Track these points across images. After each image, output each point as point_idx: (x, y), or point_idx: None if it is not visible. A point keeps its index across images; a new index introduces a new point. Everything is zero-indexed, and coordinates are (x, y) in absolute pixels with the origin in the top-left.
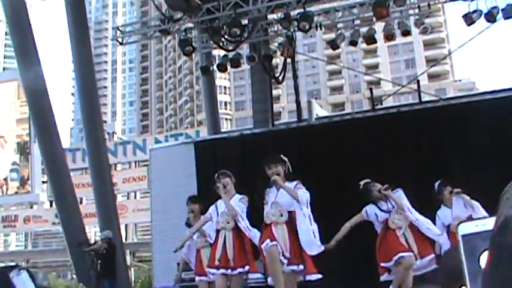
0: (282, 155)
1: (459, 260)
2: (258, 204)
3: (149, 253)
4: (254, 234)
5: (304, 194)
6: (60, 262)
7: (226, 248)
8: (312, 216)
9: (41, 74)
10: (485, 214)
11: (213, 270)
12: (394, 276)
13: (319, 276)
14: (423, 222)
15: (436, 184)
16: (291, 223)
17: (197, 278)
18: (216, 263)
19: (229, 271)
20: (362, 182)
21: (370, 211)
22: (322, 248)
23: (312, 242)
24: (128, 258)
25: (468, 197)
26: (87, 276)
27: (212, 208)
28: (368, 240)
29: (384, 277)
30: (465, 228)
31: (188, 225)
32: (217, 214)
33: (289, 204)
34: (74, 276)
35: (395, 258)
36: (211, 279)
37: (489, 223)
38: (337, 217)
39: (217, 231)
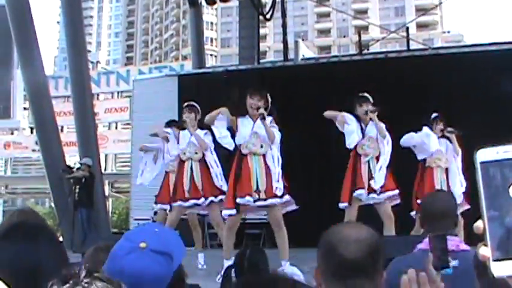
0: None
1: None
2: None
3: (128, 184)
4: (219, 171)
5: (277, 134)
6: (39, 189)
7: (194, 179)
8: (280, 159)
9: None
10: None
11: (182, 203)
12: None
13: (295, 207)
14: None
15: (432, 115)
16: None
17: (158, 206)
18: (186, 194)
19: (201, 200)
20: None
21: (348, 119)
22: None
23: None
24: (106, 188)
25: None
26: (64, 204)
27: (172, 135)
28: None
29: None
30: (485, 155)
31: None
32: (178, 144)
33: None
34: (52, 204)
35: (354, 195)
36: (180, 211)
37: None
38: (319, 158)
39: (182, 162)
